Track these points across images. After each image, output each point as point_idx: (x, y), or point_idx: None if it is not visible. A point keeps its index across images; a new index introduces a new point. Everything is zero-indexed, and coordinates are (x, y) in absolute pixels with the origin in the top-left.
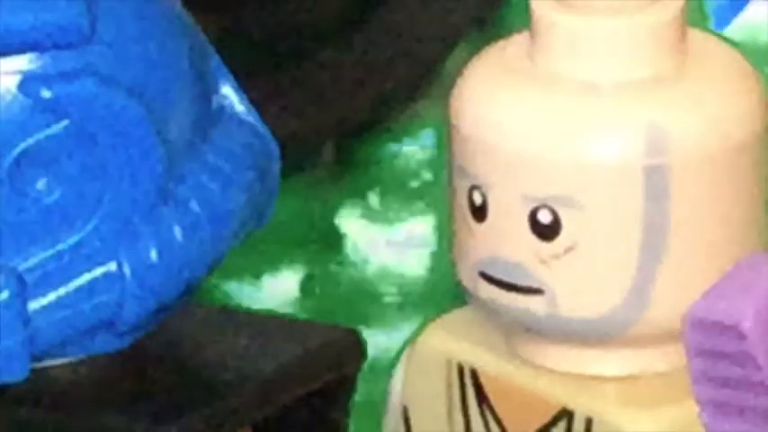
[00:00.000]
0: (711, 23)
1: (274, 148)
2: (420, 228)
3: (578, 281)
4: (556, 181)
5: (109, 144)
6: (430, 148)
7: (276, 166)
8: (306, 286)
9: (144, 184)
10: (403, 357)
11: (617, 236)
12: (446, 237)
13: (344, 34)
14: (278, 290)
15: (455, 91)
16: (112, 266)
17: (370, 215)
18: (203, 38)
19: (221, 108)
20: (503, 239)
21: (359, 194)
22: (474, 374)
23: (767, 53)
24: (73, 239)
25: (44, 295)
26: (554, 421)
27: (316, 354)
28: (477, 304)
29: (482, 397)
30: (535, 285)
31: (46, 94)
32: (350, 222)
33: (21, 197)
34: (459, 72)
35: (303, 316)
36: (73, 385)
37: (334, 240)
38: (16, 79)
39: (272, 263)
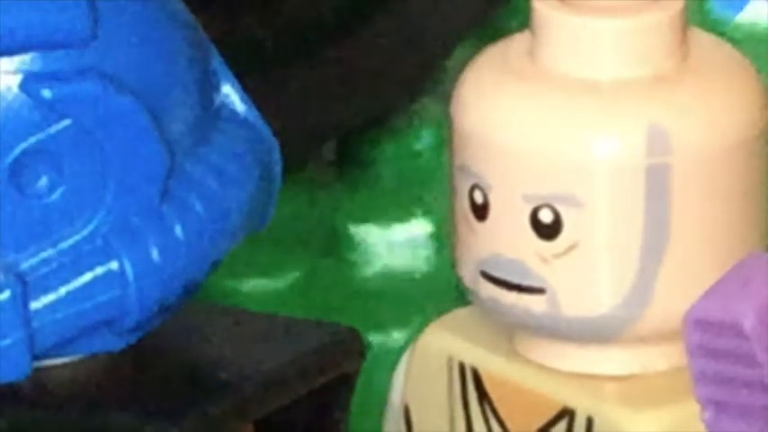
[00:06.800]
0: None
1: (275, 148)
2: (420, 228)
3: (579, 280)
4: (557, 180)
5: (110, 143)
6: (430, 148)
7: (277, 166)
8: (306, 286)
9: (145, 184)
10: (404, 357)
11: (618, 235)
12: (446, 237)
13: (345, 34)
14: (278, 289)
15: (456, 90)
16: (114, 266)
17: (371, 215)
18: (204, 36)
19: (222, 107)
20: (504, 238)
21: (359, 194)
22: (475, 374)
23: None
24: (74, 239)
25: (45, 294)
26: (555, 420)
27: (316, 353)
28: (479, 303)
29: (483, 396)
30: (536, 284)
31: (47, 93)
32: (350, 222)
33: (22, 196)
34: (459, 71)
35: (303, 316)
36: (73, 385)
37: (334, 240)
38: (17, 79)
39: (273, 263)
